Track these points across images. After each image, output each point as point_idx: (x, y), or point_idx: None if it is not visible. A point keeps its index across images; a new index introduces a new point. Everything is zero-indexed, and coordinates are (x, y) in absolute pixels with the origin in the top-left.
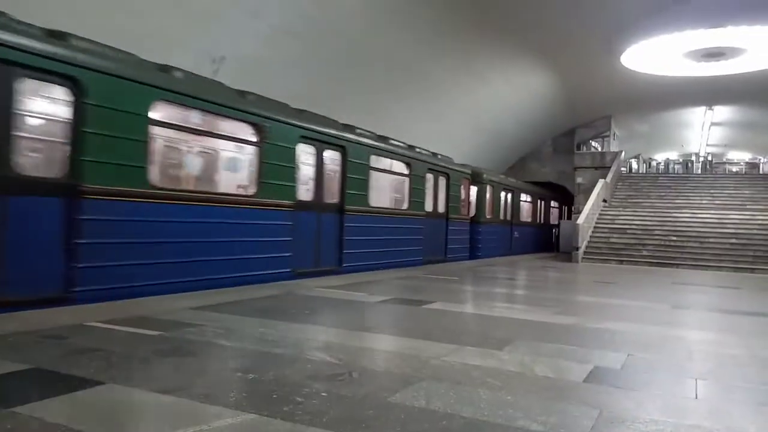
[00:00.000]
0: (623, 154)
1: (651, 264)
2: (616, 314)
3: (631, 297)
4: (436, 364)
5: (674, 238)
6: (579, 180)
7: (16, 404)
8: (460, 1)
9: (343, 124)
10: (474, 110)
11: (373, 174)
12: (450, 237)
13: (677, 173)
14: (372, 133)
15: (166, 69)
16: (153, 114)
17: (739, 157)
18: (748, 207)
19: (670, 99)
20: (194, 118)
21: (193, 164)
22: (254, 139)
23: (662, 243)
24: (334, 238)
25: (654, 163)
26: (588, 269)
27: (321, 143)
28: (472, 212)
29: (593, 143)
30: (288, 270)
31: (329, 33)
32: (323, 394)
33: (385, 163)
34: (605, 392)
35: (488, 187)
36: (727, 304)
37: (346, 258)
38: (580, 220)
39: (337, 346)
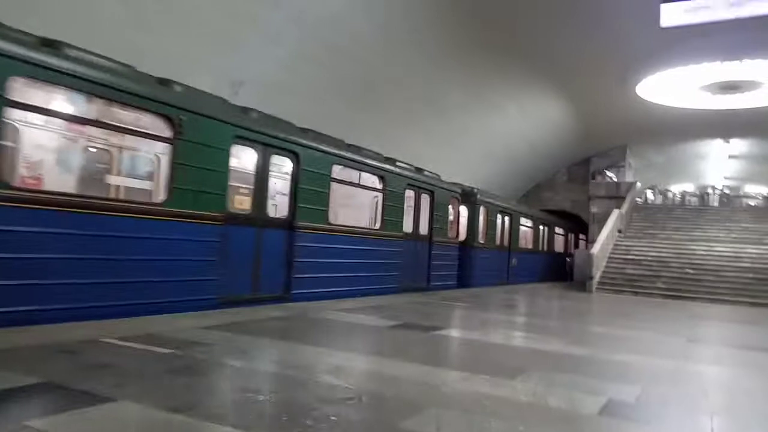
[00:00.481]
0: (639, 184)
1: (666, 296)
2: (631, 346)
3: (646, 329)
4: (446, 392)
5: (690, 271)
6: (593, 209)
7: (28, 418)
8: (474, 30)
9: (299, 128)
10: (488, 137)
11: (336, 187)
12: (434, 262)
13: (693, 205)
14: (340, 140)
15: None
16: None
17: (757, 190)
18: (765, 241)
19: (687, 130)
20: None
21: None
22: (167, 134)
23: (678, 275)
24: (280, 260)
25: (670, 195)
26: (602, 299)
27: (265, 146)
28: (463, 235)
29: (608, 173)
30: (212, 297)
31: (345, 59)
32: (333, 417)
33: (352, 175)
34: (619, 426)
35: (481, 209)
36: (743, 339)
37: (297, 284)
38: (595, 249)
39: (347, 369)
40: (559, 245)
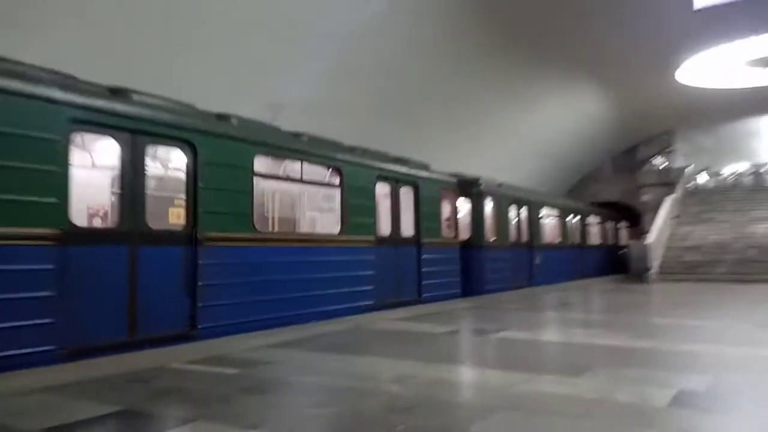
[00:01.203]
0: (689, 168)
1: (729, 281)
2: (696, 335)
3: (711, 317)
4: (511, 394)
5: (754, 252)
6: (644, 198)
7: None
8: (507, 29)
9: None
10: (529, 135)
11: (266, 185)
12: (426, 269)
13: (749, 185)
14: (265, 124)
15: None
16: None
17: None
18: None
19: (735, 109)
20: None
21: None
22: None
23: (740, 258)
24: (181, 283)
25: (723, 176)
26: (662, 290)
27: (120, 131)
28: (465, 234)
29: (656, 160)
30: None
31: (380, 73)
32: (400, 426)
33: (288, 167)
34: (692, 417)
35: (488, 200)
36: None
37: (205, 315)
38: (650, 239)
39: (411, 378)
40: (601, 237)
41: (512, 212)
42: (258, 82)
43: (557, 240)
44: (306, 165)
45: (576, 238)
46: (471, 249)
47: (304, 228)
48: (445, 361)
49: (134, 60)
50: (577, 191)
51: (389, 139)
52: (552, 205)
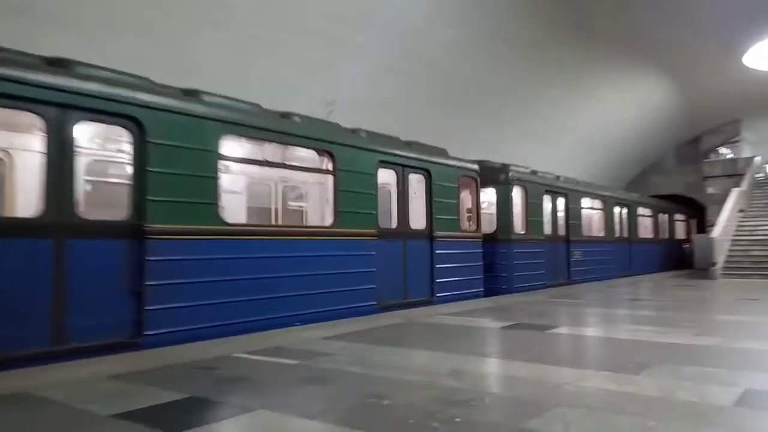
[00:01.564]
0: (758, 158)
1: None
2: (764, 333)
3: None
4: (569, 390)
5: None
6: (710, 190)
7: (180, 429)
8: (564, 21)
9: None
10: (587, 128)
11: (237, 170)
12: (439, 266)
13: None
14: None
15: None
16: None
17: None
18: None
19: None
20: None
21: None
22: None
23: None
24: (117, 287)
25: None
26: (727, 286)
27: (46, 105)
28: (491, 227)
29: (722, 150)
30: None
31: (432, 68)
32: (457, 419)
33: (266, 151)
34: (761, 417)
35: (517, 189)
36: None
37: (153, 320)
38: (715, 233)
39: (466, 372)
40: (657, 230)
41: (547, 203)
42: (312, 80)
43: (601, 233)
44: (287, 149)
45: (624, 232)
46: (497, 243)
47: (286, 220)
48: (501, 356)
49: (194, 60)
50: (637, 184)
51: (440, 134)
52: (595, 196)
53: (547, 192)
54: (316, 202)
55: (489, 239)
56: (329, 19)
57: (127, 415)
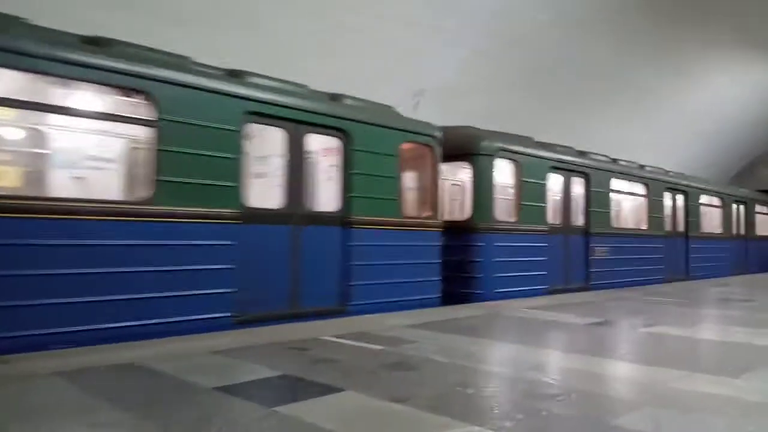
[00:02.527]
0: None
1: None
2: None
3: None
4: (661, 390)
5: None
6: None
7: (276, 404)
8: (670, 2)
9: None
10: (691, 114)
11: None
12: (358, 263)
13: None
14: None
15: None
16: None
17: None
18: None
19: None
20: None
21: None
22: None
23: None
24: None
25: None
26: None
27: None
28: (462, 212)
29: None
30: None
31: (523, 51)
32: (543, 412)
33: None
34: None
35: (504, 165)
36: None
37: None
38: None
39: (551, 366)
40: (726, 224)
41: (553, 184)
42: (400, 69)
43: (642, 226)
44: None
45: (675, 225)
46: (471, 234)
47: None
48: (588, 353)
49: (284, 50)
50: (744, 176)
51: (532, 120)
52: (631, 178)
53: (555, 170)
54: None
55: (460, 229)
56: (417, 6)
57: (227, 389)
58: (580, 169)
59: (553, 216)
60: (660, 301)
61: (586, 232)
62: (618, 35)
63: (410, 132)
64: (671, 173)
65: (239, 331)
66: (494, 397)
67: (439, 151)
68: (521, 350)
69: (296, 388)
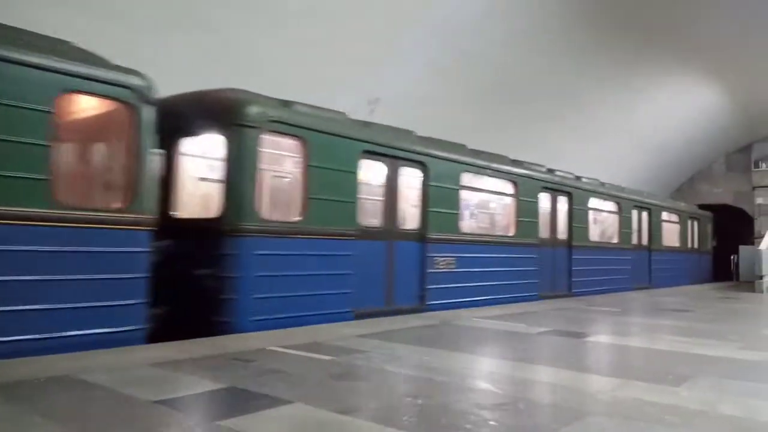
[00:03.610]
0: None
1: None
2: None
3: None
4: (605, 399)
5: None
6: (759, 201)
7: (220, 418)
8: (614, 19)
9: None
10: (634, 129)
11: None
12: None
13: None
14: None
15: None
16: None
17: None
18: None
19: None
20: None
21: None
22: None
23: None
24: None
25: None
26: None
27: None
28: (214, 208)
29: None
30: None
31: (478, 65)
32: (491, 422)
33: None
34: None
35: (273, 141)
36: None
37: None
38: (763, 245)
39: (500, 376)
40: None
41: (369, 173)
42: (357, 79)
43: (508, 231)
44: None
45: (547, 231)
46: (218, 238)
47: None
48: (536, 362)
49: (244, 59)
50: (684, 192)
51: (486, 133)
52: (499, 174)
53: (371, 155)
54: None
55: (202, 230)
56: (376, 19)
57: (168, 402)
58: (395, 153)
59: (387, 219)
60: (597, 311)
61: (422, 237)
62: (565, 52)
63: (75, 76)
64: (607, 185)
65: (180, 342)
66: (443, 407)
67: (146, 111)
68: (471, 359)
69: (241, 401)
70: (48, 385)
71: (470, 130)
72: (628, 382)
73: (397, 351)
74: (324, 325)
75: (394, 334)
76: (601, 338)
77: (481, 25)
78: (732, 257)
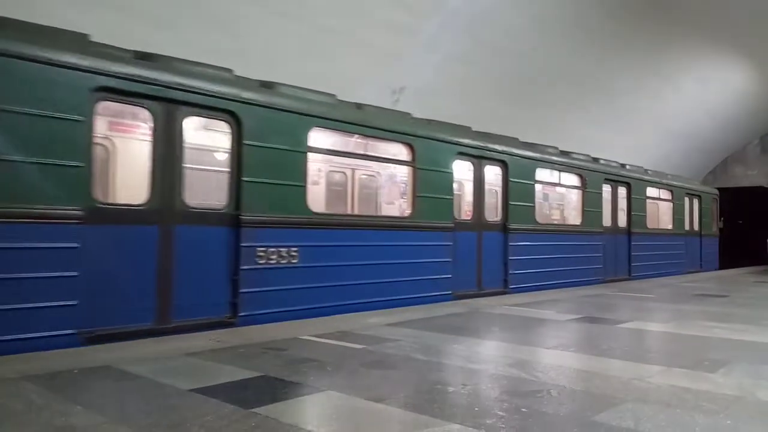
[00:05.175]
0: None
1: None
2: None
3: None
4: (641, 386)
5: None
6: None
7: (254, 405)
8: (639, 4)
9: None
10: (663, 115)
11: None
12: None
13: None
14: None
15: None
16: None
17: None
18: None
19: None
20: None
21: None
22: None
23: None
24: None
25: None
26: None
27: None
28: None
29: None
30: None
31: (501, 53)
32: (524, 409)
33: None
34: None
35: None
36: None
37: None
38: None
39: (532, 363)
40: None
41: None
42: (380, 70)
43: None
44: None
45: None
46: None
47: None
48: (568, 349)
49: (264, 51)
50: (717, 174)
51: (510, 122)
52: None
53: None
54: None
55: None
56: (397, 8)
57: (204, 390)
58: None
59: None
60: (630, 297)
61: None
62: (591, 39)
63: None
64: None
65: (215, 332)
66: (474, 394)
67: None
68: (501, 347)
69: (275, 389)
70: (87, 375)
71: (494, 119)
72: (663, 368)
73: (427, 339)
74: (353, 314)
75: (424, 322)
76: (632, 325)
77: (504, 13)
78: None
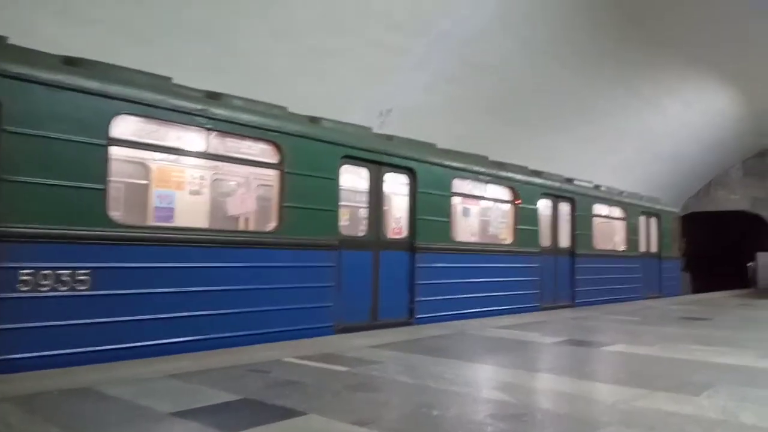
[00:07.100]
0: None
1: None
2: None
3: None
4: (624, 409)
5: None
6: None
7: (235, 429)
8: (624, 28)
9: None
10: (648, 137)
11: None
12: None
13: None
14: None
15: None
16: None
17: None
18: None
19: None
20: None
21: None
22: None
23: None
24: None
25: None
26: None
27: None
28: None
29: None
30: None
31: (489, 75)
32: None
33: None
34: None
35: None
36: None
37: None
38: None
39: (516, 386)
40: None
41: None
42: (368, 90)
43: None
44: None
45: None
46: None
47: None
48: (553, 372)
49: (254, 69)
50: (701, 197)
51: (496, 142)
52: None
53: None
54: None
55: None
56: (387, 29)
57: (184, 414)
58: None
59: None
60: (615, 319)
61: None
62: (577, 62)
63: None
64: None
65: (197, 354)
66: (459, 418)
67: None
68: (486, 370)
69: (256, 413)
70: (67, 397)
71: (481, 140)
72: (646, 391)
73: (412, 362)
74: (337, 336)
75: (408, 344)
76: (616, 348)
77: (492, 35)
78: (749, 264)
